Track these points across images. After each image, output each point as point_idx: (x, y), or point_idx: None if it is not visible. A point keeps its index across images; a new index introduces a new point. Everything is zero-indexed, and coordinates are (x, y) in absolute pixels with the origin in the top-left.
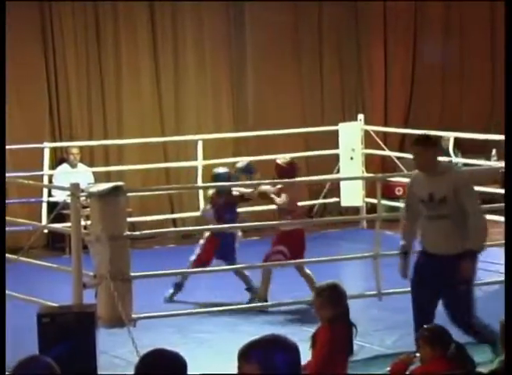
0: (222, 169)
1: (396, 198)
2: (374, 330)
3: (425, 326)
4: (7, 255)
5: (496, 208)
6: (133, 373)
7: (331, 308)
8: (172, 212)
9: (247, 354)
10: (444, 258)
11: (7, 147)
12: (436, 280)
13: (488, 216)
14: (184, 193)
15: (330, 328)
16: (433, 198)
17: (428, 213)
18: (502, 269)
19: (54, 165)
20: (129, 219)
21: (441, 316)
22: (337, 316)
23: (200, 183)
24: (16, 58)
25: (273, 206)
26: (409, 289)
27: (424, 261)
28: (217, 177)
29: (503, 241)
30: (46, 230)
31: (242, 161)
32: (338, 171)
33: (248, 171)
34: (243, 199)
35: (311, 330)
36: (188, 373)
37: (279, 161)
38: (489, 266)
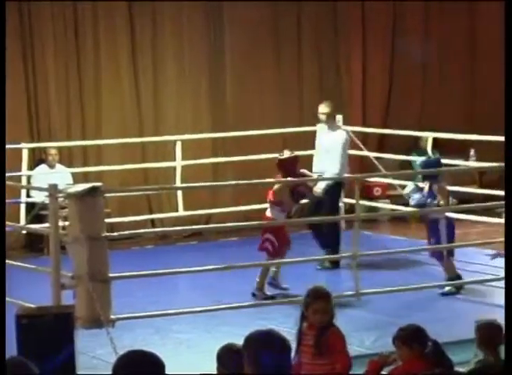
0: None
1: (374, 199)
2: (353, 330)
3: (401, 326)
4: None
5: (473, 209)
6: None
7: (331, 311)
8: (151, 213)
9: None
10: None
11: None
12: None
13: (466, 216)
14: (163, 193)
15: (339, 330)
16: None
17: None
18: (480, 269)
19: (32, 166)
20: (107, 220)
21: (415, 316)
22: (331, 320)
23: (178, 183)
24: None
25: None
26: (388, 289)
27: None
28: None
29: (481, 241)
30: (24, 231)
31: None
32: None
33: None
34: None
35: (289, 330)
36: (166, 373)
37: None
38: (467, 265)
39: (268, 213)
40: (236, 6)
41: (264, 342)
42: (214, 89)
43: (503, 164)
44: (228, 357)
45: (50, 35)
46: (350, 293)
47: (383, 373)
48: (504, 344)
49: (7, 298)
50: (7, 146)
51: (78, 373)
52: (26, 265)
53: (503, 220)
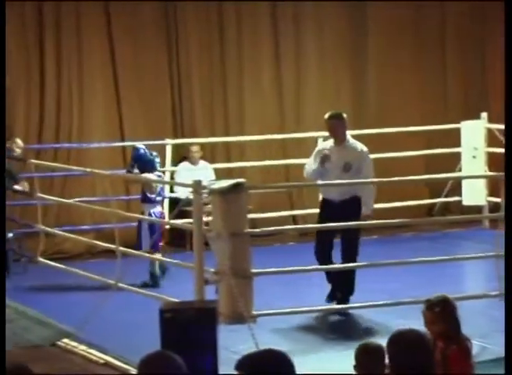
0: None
1: None
2: (495, 330)
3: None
4: (131, 250)
5: None
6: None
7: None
8: (292, 209)
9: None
10: None
11: (130, 143)
12: None
13: None
14: (304, 190)
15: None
16: None
17: None
18: None
19: (175, 163)
20: (249, 216)
21: None
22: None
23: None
24: (140, 59)
25: None
26: None
27: None
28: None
29: None
30: (167, 226)
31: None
32: (460, 170)
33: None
34: None
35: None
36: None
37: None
38: None
39: None
40: (378, 6)
41: (410, 342)
42: (355, 86)
43: None
44: (364, 356)
45: (194, 34)
46: (494, 293)
47: None
48: (504, 342)
49: (151, 293)
50: (151, 142)
51: (220, 367)
52: (170, 260)
53: None
